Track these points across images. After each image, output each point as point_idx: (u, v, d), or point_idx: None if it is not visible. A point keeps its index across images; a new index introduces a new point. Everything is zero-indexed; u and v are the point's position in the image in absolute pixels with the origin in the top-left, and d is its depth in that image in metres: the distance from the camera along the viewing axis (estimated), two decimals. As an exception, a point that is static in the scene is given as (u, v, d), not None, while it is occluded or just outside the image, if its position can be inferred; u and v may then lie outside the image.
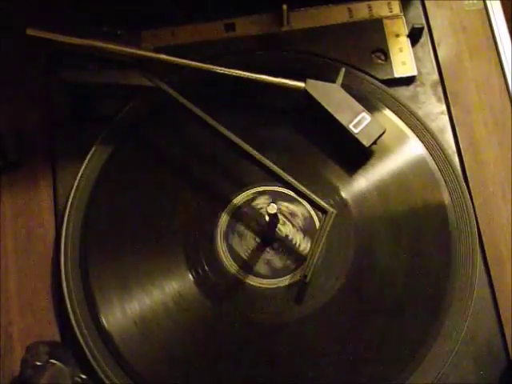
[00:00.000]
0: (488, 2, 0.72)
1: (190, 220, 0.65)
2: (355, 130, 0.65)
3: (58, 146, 0.68)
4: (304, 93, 0.66)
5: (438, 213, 0.64)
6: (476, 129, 0.68)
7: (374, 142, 0.65)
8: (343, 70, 0.67)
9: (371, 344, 0.61)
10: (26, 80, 0.70)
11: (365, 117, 0.65)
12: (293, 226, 0.65)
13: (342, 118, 0.65)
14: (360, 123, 0.65)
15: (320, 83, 0.66)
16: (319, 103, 0.66)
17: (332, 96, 0.66)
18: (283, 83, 0.66)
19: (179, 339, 0.61)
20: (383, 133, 0.65)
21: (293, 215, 0.65)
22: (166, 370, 0.60)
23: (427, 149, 0.67)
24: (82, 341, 0.60)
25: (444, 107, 0.69)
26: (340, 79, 0.67)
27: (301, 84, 0.66)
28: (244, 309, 0.62)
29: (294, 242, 0.64)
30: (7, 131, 0.67)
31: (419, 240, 0.64)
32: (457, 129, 0.68)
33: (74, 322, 0.61)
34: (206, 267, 0.63)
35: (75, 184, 0.66)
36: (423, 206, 0.65)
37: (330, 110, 0.65)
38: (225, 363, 0.60)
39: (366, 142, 0.65)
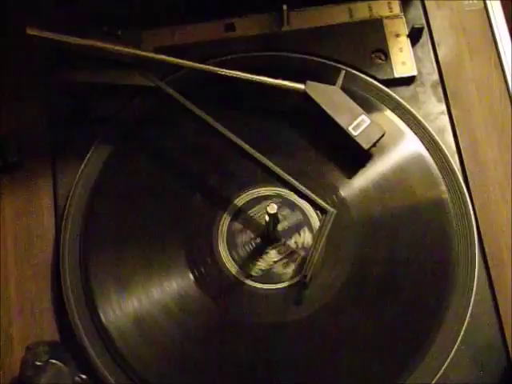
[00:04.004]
0: (488, 2, 0.72)
1: (190, 220, 0.65)
2: (354, 133, 0.65)
3: (57, 146, 0.68)
4: (304, 94, 0.66)
5: (438, 213, 0.64)
6: (476, 129, 0.68)
7: (374, 145, 0.65)
8: (343, 72, 0.67)
9: (371, 344, 0.61)
10: (26, 80, 0.70)
11: (364, 119, 0.65)
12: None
13: (341, 120, 0.65)
14: (359, 126, 0.65)
15: (320, 85, 0.66)
16: (319, 105, 0.66)
17: (332, 98, 0.66)
18: (283, 85, 0.66)
19: (179, 339, 0.61)
20: (382, 135, 0.65)
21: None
22: (166, 370, 0.60)
23: (427, 149, 0.67)
24: (81, 341, 0.60)
25: (444, 107, 0.69)
26: (340, 81, 0.66)
27: (301, 86, 0.66)
28: (244, 309, 0.62)
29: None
30: (7, 131, 0.67)
31: (419, 240, 0.64)
32: (457, 129, 0.68)
33: (73, 322, 0.61)
34: (206, 267, 0.63)
35: (75, 184, 0.66)
36: (423, 206, 0.65)
37: (329, 112, 0.65)
38: (224, 364, 0.60)
39: (365, 145, 0.65)
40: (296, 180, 0.62)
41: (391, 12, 0.72)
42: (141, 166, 0.67)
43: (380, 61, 0.70)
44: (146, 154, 0.68)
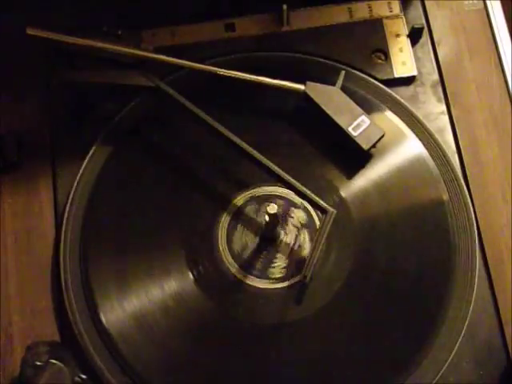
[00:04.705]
0: (488, 2, 0.72)
1: (190, 220, 0.65)
2: (354, 133, 0.65)
3: (57, 146, 0.68)
4: (304, 95, 0.66)
5: (438, 213, 0.64)
6: (476, 129, 0.68)
7: (373, 146, 0.65)
8: (343, 72, 0.67)
9: (371, 344, 0.61)
10: (26, 80, 0.70)
11: (364, 120, 0.65)
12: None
13: (341, 120, 0.65)
14: (359, 126, 0.65)
15: (320, 86, 0.66)
16: (319, 105, 0.66)
17: (332, 99, 0.66)
18: (283, 85, 0.66)
19: (179, 339, 0.61)
20: (382, 136, 0.65)
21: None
22: (166, 369, 0.60)
23: (427, 149, 0.67)
24: (81, 341, 0.60)
25: (444, 107, 0.70)
26: (340, 82, 0.67)
27: (301, 86, 0.66)
28: (243, 309, 0.62)
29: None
30: (7, 132, 0.67)
31: (419, 240, 0.64)
32: (457, 129, 0.68)
33: (73, 321, 0.61)
34: (206, 267, 0.63)
35: (75, 184, 0.66)
36: (423, 206, 0.65)
37: (329, 112, 0.65)
38: (224, 363, 0.60)
39: (365, 146, 0.65)
40: (296, 180, 0.62)
41: (391, 12, 0.72)
42: (141, 166, 0.67)
43: (380, 61, 0.70)
44: (146, 154, 0.68)
